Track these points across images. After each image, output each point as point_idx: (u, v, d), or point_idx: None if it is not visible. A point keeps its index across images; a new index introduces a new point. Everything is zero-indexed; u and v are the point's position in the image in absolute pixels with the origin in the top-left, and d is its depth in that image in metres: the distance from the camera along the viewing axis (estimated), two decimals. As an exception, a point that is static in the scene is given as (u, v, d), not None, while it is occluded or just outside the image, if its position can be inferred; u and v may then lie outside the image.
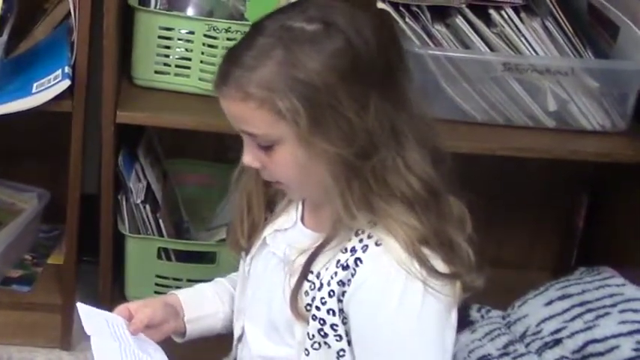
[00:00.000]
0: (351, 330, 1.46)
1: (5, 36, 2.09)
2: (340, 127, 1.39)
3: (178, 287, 2.18)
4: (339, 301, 1.45)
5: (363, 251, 1.43)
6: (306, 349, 1.49)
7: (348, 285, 1.44)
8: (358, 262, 1.43)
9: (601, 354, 1.99)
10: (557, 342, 2.04)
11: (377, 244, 1.43)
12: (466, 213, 1.51)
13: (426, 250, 1.42)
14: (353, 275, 1.43)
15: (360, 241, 1.44)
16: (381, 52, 1.42)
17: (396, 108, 1.43)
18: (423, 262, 1.41)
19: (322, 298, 1.46)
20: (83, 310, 1.57)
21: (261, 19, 1.45)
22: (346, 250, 1.45)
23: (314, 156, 1.40)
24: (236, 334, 1.65)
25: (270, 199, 1.61)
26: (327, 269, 1.46)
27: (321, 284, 1.46)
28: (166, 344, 1.62)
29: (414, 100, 1.46)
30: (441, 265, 1.43)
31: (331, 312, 1.46)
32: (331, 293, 1.45)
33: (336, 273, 1.45)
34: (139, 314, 1.57)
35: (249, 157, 1.47)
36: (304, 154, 1.41)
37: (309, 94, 1.37)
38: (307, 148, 1.40)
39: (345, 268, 1.44)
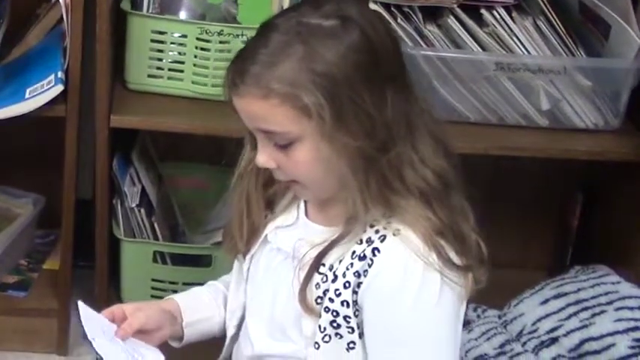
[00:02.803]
0: (365, 321, 1.46)
1: (-2, 42, 2.09)
2: (361, 121, 1.39)
3: (174, 291, 2.20)
4: (354, 292, 1.45)
5: (381, 241, 1.43)
6: (316, 343, 1.48)
7: (365, 275, 1.44)
8: (376, 251, 1.43)
9: (597, 352, 1.99)
10: (554, 341, 2.04)
11: (394, 235, 1.43)
12: (468, 206, 1.52)
13: (441, 241, 1.43)
14: (370, 265, 1.43)
15: (377, 232, 1.44)
16: (395, 46, 1.44)
17: (410, 102, 1.44)
18: (440, 253, 1.42)
19: (337, 289, 1.46)
20: (84, 311, 1.57)
21: (271, 18, 1.45)
22: (362, 241, 1.45)
23: (336, 151, 1.40)
24: (229, 334, 1.66)
25: (270, 200, 1.60)
26: (341, 261, 1.46)
27: (335, 276, 1.46)
28: (162, 346, 1.61)
29: (420, 95, 1.48)
30: (455, 257, 1.44)
31: (345, 303, 1.45)
32: (347, 285, 1.45)
33: (352, 264, 1.45)
34: (131, 319, 1.56)
35: (264, 157, 1.45)
36: (326, 150, 1.40)
37: (332, 88, 1.37)
38: (330, 143, 1.39)
39: (362, 258, 1.44)
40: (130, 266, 2.30)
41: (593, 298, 2.07)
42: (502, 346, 2.10)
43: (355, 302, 1.45)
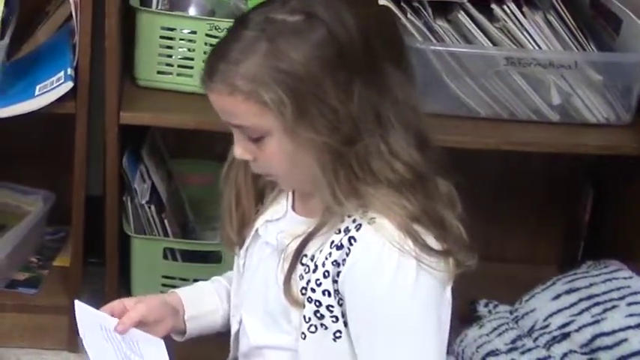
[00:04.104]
0: (347, 309, 1.47)
1: (7, 39, 2.09)
2: (325, 116, 1.41)
3: (184, 287, 2.20)
4: (334, 281, 1.46)
5: (357, 230, 1.45)
6: (303, 333, 1.50)
7: (343, 264, 1.45)
8: (352, 240, 1.45)
9: (609, 347, 1.99)
10: (566, 336, 2.04)
11: (370, 223, 1.44)
12: (455, 193, 1.53)
13: (418, 228, 1.44)
14: (347, 254, 1.45)
15: (354, 221, 1.46)
16: (364, 39, 1.45)
17: (381, 94, 1.45)
18: (416, 239, 1.43)
19: (317, 279, 1.47)
20: (80, 308, 1.57)
21: (245, 12, 1.48)
22: (340, 231, 1.47)
23: (300, 146, 1.43)
24: (233, 331, 1.67)
25: (260, 192, 1.63)
26: (321, 251, 1.48)
27: (316, 266, 1.48)
28: (167, 344, 1.61)
29: (399, 86, 1.48)
30: (433, 242, 1.45)
31: (326, 293, 1.47)
32: (326, 274, 1.47)
33: (330, 254, 1.46)
34: (131, 312, 1.57)
35: (240, 150, 1.49)
36: (291, 145, 1.43)
37: (294, 84, 1.40)
38: (293, 138, 1.42)
39: (340, 247, 1.46)
40: (140, 263, 2.30)
41: (604, 293, 2.07)
42: (514, 341, 2.09)
43: (337, 292, 1.47)
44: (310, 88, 1.40)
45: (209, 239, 2.34)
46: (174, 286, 2.25)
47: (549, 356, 2.03)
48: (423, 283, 1.43)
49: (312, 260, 1.48)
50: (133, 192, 2.23)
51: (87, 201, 2.22)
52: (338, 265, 1.46)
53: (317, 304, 1.48)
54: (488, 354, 2.08)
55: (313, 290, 1.48)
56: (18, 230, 2.39)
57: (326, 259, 1.47)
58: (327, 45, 1.41)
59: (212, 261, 2.29)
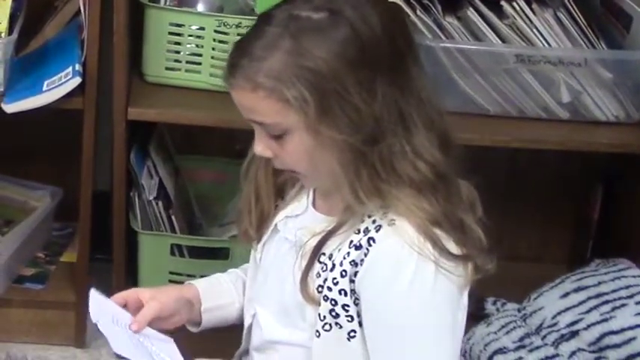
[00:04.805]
0: (363, 310, 1.47)
1: (15, 34, 2.09)
2: (347, 114, 1.40)
3: (192, 283, 2.20)
4: (352, 281, 1.46)
5: (376, 231, 1.44)
6: (317, 331, 1.49)
7: (361, 265, 1.45)
8: (371, 241, 1.44)
9: (618, 346, 1.99)
10: (574, 334, 2.03)
11: (390, 225, 1.44)
12: (476, 196, 1.52)
13: (438, 232, 1.43)
14: (366, 255, 1.44)
15: (374, 222, 1.45)
16: (388, 38, 1.43)
17: (404, 94, 1.44)
18: (436, 244, 1.42)
19: (334, 278, 1.47)
20: (94, 297, 1.57)
21: (269, 9, 1.46)
22: (359, 231, 1.46)
23: (322, 144, 1.42)
24: (246, 324, 1.66)
25: (280, 188, 1.62)
26: (339, 250, 1.47)
27: (333, 265, 1.47)
28: (180, 335, 1.61)
29: (422, 85, 1.47)
30: (453, 247, 1.44)
31: (343, 292, 1.46)
32: (343, 273, 1.46)
33: (348, 253, 1.46)
34: (145, 310, 1.57)
35: (261, 147, 1.48)
36: (312, 143, 1.42)
37: (317, 82, 1.39)
38: (315, 137, 1.42)
39: (358, 248, 1.45)
40: (148, 259, 2.30)
41: (613, 291, 2.06)
42: (521, 339, 2.09)
43: (353, 291, 1.46)
44: (333, 86, 1.39)
45: (216, 235, 2.34)
46: (181, 283, 2.26)
47: (557, 354, 2.03)
48: (440, 288, 1.42)
49: (329, 259, 1.48)
50: (140, 188, 2.23)
51: (94, 197, 2.22)
52: (356, 265, 1.45)
53: (333, 302, 1.47)
54: (496, 352, 2.08)
55: (330, 289, 1.47)
56: (25, 226, 2.39)
57: (344, 258, 1.46)
58: (350, 43, 1.40)
59: (219, 257, 2.29)
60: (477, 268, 1.48)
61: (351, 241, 1.46)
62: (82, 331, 2.33)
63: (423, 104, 1.46)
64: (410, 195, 1.43)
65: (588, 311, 2.05)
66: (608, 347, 2.00)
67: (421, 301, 1.43)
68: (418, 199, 1.43)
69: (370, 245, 1.44)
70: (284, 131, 1.43)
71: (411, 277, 1.41)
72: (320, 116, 1.40)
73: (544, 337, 2.08)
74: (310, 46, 1.39)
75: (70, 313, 2.32)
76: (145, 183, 2.22)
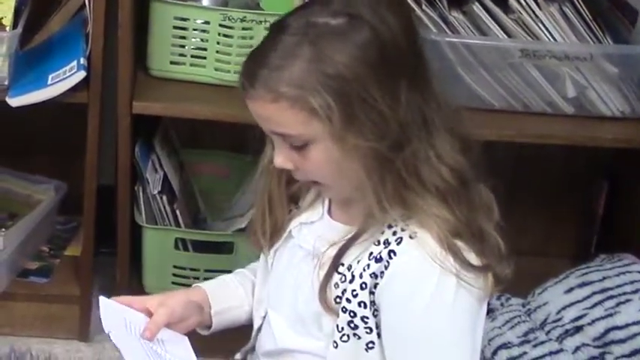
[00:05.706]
0: (382, 322, 1.45)
1: (20, 28, 2.09)
2: (372, 121, 1.37)
3: (196, 278, 2.20)
4: (371, 293, 1.44)
5: (397, 244, 1.42)
6: (335, 342, 1.48)
7: (381, 277, 1.43)
8: (392, 254, 1.42)
9: (622, 341, 1.99)
10: (578, 329, 2.03)
11: (411, 237, 1.42)
12: (493, 199, 1.50)
13: (459, 243, 1.41)
14: (386, 267, 1.42)
15: (394, 233, 1.43)
16: (408, 40, 1.41)
17: (425, 97, 1.42)
18: (457, 255, 1.40)
19: (353, 290, 1.45)
20: (104, 304, 1.56)
21: (282, 17, 1.44)
22: (379, 242, 1.44)
23: (347, 152, 1.39)
24: (256, 325, 1.65)
25: (293, 195, 1.59)
26: (359, 262, 1.45)
27: (353, 276, 1.45)
28: (190, 337, 1.61)
29: (438, 88, 1.45)
30: (473, 258, 1.42)
31: (362, 304, 1.45)
32: (363, 285, 1.44)
33: (368, 265, 1.44)
34: (156, 317, 1.54)
35: (281, 159, 1.45)
36: (337, 151, 1.39)
37: (340, 88, 1.36)
38: (340, 145, 1.39)
39: (379, 260, 1.43)
40: (152, 253, 2.29)
41: (618, 286, 2.07)
42: (526, 334, 2.09)
43: (373, 302, 1.45)
44: (357, 92, 1.36)
45: (220, 230, 2.34)
46: (185, 277, 2.27)
47: (562, 349, 2.03)
48: (461, 301, 1.41)
49: (348, 270, 1.46)
50: (144, 182, 2.22)
51: (98, 191, 2.22)
52: (376, 277, 1.43)
53: (351, 314, 1.45)
54: (500, 347, 2.08)
55: (349, 300, 1.45)
56: (29, 219, 2.39)
57: (364, 270, 1.44)
58: (371, 46, 1.37)
59: (223, 251, 2.29)
60: (498, 278, 1.46)
61: (371, 253, 1.44)
62: (86, 325, 2.33)
63: (441, 107, 1.44)
64: (433, 205, 1.41)
65: (593, 306, 2.05)
66: (612, 342, 2.00)
67: (441, 314, 1.41)
68: (441, 207, 1.41)
69: (391, 258, 1.42)
70: (307, 141, 1.40)
71: (432, 291, 1.40)
72: (345, 124, 1.37)
73: (548, 332, 2.08)
74: (331, 52, 1.36)
75: (74, 307, 2.32)
76: (150, 177, 2.22)
